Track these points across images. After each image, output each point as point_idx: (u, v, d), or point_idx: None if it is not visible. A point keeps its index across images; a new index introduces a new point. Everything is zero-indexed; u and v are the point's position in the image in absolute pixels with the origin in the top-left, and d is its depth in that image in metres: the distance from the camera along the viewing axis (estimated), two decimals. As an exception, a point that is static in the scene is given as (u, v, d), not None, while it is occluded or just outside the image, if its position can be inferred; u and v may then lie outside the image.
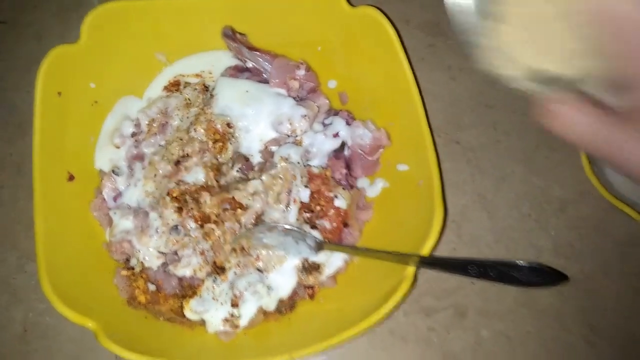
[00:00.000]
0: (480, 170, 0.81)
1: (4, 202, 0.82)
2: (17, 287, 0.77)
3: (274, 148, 0.73)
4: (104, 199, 0.71)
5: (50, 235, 0.63)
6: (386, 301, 0.58)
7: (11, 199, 0.82)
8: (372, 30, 0.71)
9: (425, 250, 0.60)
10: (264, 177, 0.69)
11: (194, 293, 0.67)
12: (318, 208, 0.70)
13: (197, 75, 0.80)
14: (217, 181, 0.71)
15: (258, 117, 0.73)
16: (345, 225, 0.71)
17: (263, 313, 0.67)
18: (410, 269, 0.60)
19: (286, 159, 0.70)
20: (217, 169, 0.72)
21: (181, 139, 0.73)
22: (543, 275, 0.55)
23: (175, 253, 0.68)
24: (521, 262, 0.55)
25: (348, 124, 0.75)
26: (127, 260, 0.69)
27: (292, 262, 0.69)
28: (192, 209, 0.68)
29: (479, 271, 0.57)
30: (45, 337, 0.75)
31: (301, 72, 0.77)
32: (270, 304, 0.67)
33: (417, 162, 0.68)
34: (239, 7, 0.76)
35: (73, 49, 0.70)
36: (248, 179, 0.70)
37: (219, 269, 0.67)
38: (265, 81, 0.78)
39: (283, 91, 0.76)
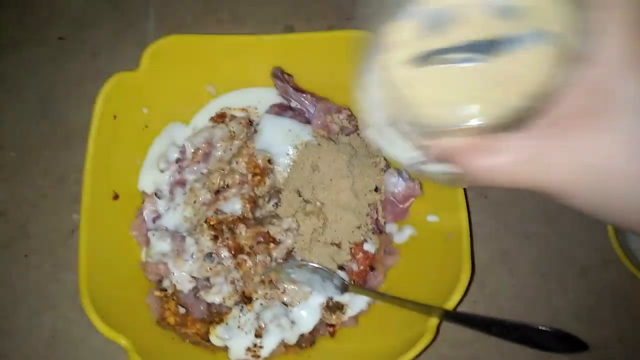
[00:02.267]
0: (505, 227, 0.83)
1: (44, 211, 0.86)
2: (50, 294, 0.80)
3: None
4: (144, 220, 0.75)
5: (92, 250, 0.67)
6: (407, 351, 0.60)
7: (52, 208, 0.86)
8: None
9: (449, 305, 0.62)
10: (298, 215, 0.72)
11: (221, 320, 0.69)
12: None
13: (243, 110, 0.83)
14: (252, 213, 0.74)
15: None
16: (372, 268, 0.73)
17: (284, 346, 0.70)
18: (433, 321, 0.62)
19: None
20: (254, 202, 0.75)
21: (223, 170, 0.76)
22: (564, 342, 0.57)
23: (207, 279, 0.71)
24: (544, 327, 0.57)
25: (383, 170, 0.78)
26: (160, 281, 0.72)
27: (317, 300, 0.71)
28: (227, 238, 0.71)
29: (501, 331, 0.59)
30: (72, 346, 0.78)
31: (342, 116, 0.80)
32: (292, 338, 0.70)
33: (448, 215, 0.70)
34: (289, 50, 0.80)
35: (132, 76, 0.74)
36: (281, 217, 0.73)
37: (246, 299, 0.70)
38: (307, 121, 0.81)
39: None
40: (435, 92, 0.34)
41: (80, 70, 0.97)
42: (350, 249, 0.73)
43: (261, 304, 0.70)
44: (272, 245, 0.71)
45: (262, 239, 0.71)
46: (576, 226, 0.83)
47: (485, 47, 0.33)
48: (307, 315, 0.70)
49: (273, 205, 0.75)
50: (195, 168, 0.77)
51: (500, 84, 0.32)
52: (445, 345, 0.77)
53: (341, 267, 0.72)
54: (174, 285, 0.71)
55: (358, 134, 0.82)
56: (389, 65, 0.35)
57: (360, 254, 0.72)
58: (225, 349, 0.69)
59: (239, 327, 0.69)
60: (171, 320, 0.69)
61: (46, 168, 0.89)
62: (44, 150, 0.91)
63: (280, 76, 0.81)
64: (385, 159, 0.80)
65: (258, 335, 0.69)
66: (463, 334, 0.77)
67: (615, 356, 0.75)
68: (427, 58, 0.34)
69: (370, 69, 0.38)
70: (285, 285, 0.71)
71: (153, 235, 0.73)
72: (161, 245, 0.72)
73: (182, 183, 0.77)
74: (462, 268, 0.63)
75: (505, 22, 0.33)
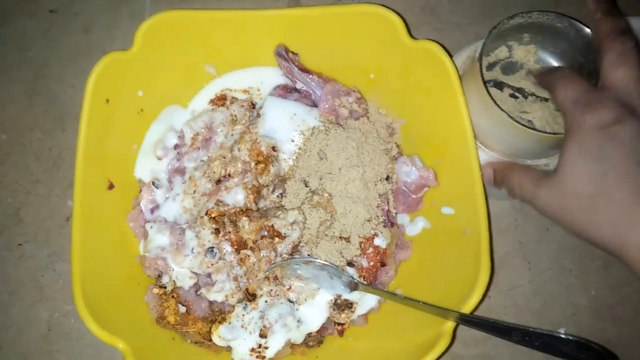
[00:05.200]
0: (524, 217, 0.78)
1: (38, 197, 0.82)
2: (45, 285, 0.77)
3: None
4: (141, 211, 0.70)
5: (86, 245, 0.63)
6: (422, 357, 0.57)
7: (46, 193, 0.82)
8: (432, 66, 0.68)
9: (466, 309, 0.58)
10: (304, 207, 0.68)
11: (224, 319, 0.66)
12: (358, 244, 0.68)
13: (245, 91, 0.78)
14: (255, 204, 0.70)
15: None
16: (383, 264, 0.69)
17: (290, 346, 0.66)
18: (449, 325, 0.59)
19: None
20: (258, 192, 0.70)
21: (224, 157, 0.71)
22: (590, 353, 0.53)
23: (209, 276, 0.67)
24: (569, 335, 0.53)
25: (395, 157, 0.73)
26: (159, 277, 0.68)
27: (325, 297, 0.67)
28: (229, 232, 0.66)
29: (523, 338, 0.55)
30: (68, 338, 0.75)
31: (350, 99, 0.75)
32: (299, 337, 0.66)
33: (465, 208, 0.65)
34: (294, 26, 0.74)
35: (125, 57, 0.69)
36: (286, 209, 0.68)
37: (250, 296, 0.66)
38: (314, 104, 0.76)
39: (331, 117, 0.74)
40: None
41: (73, 46, 0.91)
42: (360, 243, 0.68)
43: (266, 302, 0.67)
44: (277, 239, 0.66)
45: (266, 233, 0.67)
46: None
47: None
48: (315, 314, 0.67)
49: (278, 196, 0.70)
50: (194, 155, 0.73)
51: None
52: (457, 343, 0.73)
53: (350, 263, 0.67)
54: (174, 282, 0.67)
55: (368, 118, 0.77)
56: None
57: (371, 249, 0.68)
58: (229, 349, 0.66)
59: (242, 326, 0.65)
60: (171, 319, 0.66)
61: (39, 151, 0.85)
62: (37, 132, 0.86)
63: (284, 55, 0.75)
64: (397, 145, 0.75)
65: (263, 335, 0.65)
66: (475, 331, 0.73)
67: (638, 356, 0.72)
68: (501, 86, 0.69)
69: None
70: (291, 282, 0.67)
71: (151, 227, 0.68)
72: (160, 238, 0.68)
73: (181, 171, 0.72)
74: (481, 269, 0.59)
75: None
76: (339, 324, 0.68)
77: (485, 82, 0.62)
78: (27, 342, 0.75)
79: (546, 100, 0.68)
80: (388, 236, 0.69)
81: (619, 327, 0.73)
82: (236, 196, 0.70)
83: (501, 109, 0.61)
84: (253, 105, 0.76)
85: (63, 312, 0.76)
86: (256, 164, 0.71)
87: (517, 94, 0.68)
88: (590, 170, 0.50)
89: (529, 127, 0.60)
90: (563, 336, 0.53)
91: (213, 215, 0.67)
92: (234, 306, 0.66)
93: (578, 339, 0.53)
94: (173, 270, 0.67)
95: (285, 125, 0.73)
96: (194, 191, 0.71)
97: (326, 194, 0.69)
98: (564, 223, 0.54)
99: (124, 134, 0.72)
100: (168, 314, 0.66)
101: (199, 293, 0.67)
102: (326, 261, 0.64)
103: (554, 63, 0.68)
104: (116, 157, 0.71)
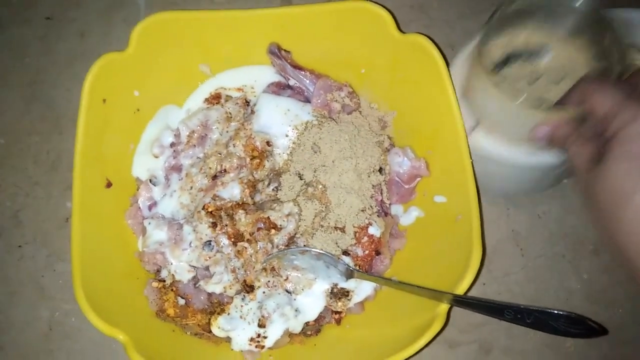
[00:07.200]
0: (516, 205, 0.80)
1: (37, 199, 0.83)
2: (46, 285, 0.78)
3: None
4: (139, 208, 0.72)
5: (85, 242, 0.64)
6: (417, 339, 0.58)
7: (45, 195, 0.83)
8: (421, 59, 0.70)
9: (459, 290, 0.59)
10: (300, 199, 0.69)
11: (222, 310, 0.67)
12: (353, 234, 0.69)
13: (239, 89, 0.79)
14: (251, 198, 0.71)
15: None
16: (377, 253, 0.70)
17: (288, 335, 0.67)
18: (443, 307, 0.60)
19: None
20: (253, 186, 0.71)
21: (219, 154, 0.73)
22: (581, 327, 0.54)
23: (207, 268, 0.68)
24: (560, 311, 0.54)
25: (387, 149, 0.75)
26: (158, 271, 0.69)
27: (322, 286, 0.68)
28: (226, 225, 0.68)
29: (515, 316, 0.56)
30: (70, 337, 0.76)
31: (342, 94, 0.77)
32: (297, 327, 0.67)
33: (456, 196, 0.67)
34: (286, 24, 0.76)
35: (120, 57, 0.70)
36: (282, 201, 0.69)
37: (248, 287, 0.67)
38: (307, 100, 0.78)
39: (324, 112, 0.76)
40: None
41: (69, 51, 0.93)
42: (355, 233, 0.70)
43: (264, 293, 0.68)
44: (273, 231, 0.68)
45: (262, 225, 0.68)
46: (589, 203, 0.80)
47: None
48: (312, 303, 0.68)
49: (273, 190, 0.72)
50: (190, 152, 0.74)
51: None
52: (453, 329, 0.75)
53: (346, 252, 0.69)
54: (173, 276, 0.68)
55: (360, 112, 0.79)
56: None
57: (365, 238, 0.69)
58: (228, 339, 0.66)
59: (241, 317, 0.66)
60: (171, 311, 0.67)
61: (37, 154, 0.86)
62: (34, 136, 0.87)
63: (277, 53, 0.77)
64: (389, 137, 0.77)
65: (262, 325, 0.66)
66: (472, 317, 0.75)
67: (630, 337, 0.73)
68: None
69: None
70: (288, 273, 0.68)
71: (149, 223, 0.70)
72: (158, 234, 0.69)
73: (177, 168, 0.74)
74: (473, 251, 0.60)
75: None
76: (336, 312, 0.69)
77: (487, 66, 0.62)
78: (28, 341, 0.76)
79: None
80: (382, 225, 0.71)
81: (611, 309, 0.75)
82: (232, 191, 0.71)
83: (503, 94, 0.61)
84: (247, 103, 0.78)
85: (64, 312, 0.77)
86: (251, 159, 0.73)
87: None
88: (630, 170, 0.49)
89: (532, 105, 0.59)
90: (554, 312, 0.54)
91: (210, 210, 0.69)
92: (232, 297, 0.68)
93: (569, 313, 0.54)
94: (171, 264, 0.68)
95: (279, 120, 0.74)
96: (191, 187, 0.72)
97: (320, 186, 0.70)
98: (596, 214, 0.53)
99: (121, 133, 0.73)
100: (167, 307, 0.67)
101: (197, 285, 0.68)
102: (322, 250, 0.66)
103: (564, 47, 0.66)
104: (114, 156, 0.72)
